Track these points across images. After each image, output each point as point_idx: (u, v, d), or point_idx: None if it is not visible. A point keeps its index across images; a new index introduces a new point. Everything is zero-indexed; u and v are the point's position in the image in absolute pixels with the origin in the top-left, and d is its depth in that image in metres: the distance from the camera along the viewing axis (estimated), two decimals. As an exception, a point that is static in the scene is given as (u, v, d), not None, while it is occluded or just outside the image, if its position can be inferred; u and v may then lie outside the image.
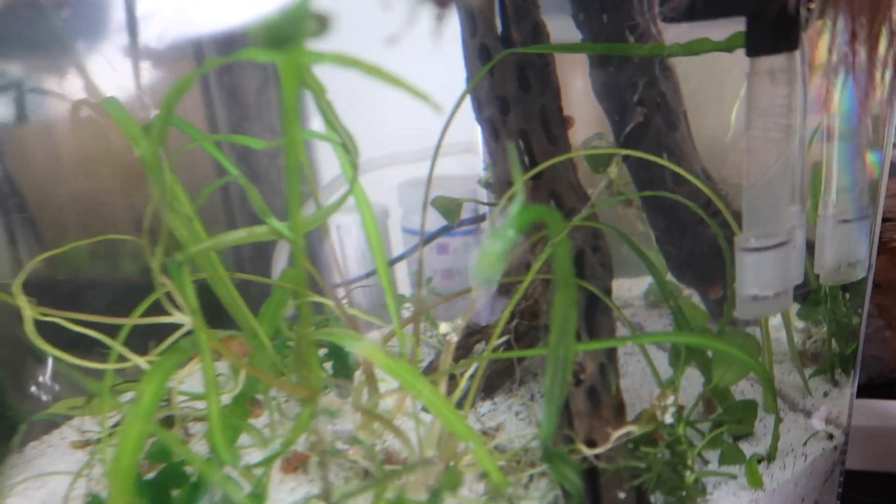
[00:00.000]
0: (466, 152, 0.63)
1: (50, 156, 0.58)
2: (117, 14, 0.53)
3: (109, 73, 0.53)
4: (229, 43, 0.47)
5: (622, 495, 0.36)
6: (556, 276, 0.35)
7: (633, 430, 0.36)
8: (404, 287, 0.70)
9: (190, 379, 0.49)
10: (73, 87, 0.54)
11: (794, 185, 0.40)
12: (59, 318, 0.38)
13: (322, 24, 0.24)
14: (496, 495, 0.36)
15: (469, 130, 0.54)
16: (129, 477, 0.30)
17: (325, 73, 0.31)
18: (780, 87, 0.37)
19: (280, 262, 0.68)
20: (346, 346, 0.41)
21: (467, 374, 0.42)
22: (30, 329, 0.35)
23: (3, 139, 0.55)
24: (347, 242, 0.74)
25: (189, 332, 0.40)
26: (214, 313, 0.40)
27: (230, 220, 0.67)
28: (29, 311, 0.36)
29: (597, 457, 0.37)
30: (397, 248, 0.72)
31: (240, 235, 0.38)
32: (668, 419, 0.37)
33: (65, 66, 0.53)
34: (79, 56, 0.52)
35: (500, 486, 0.34)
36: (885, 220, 0.50)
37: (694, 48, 0.39)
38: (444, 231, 0.69)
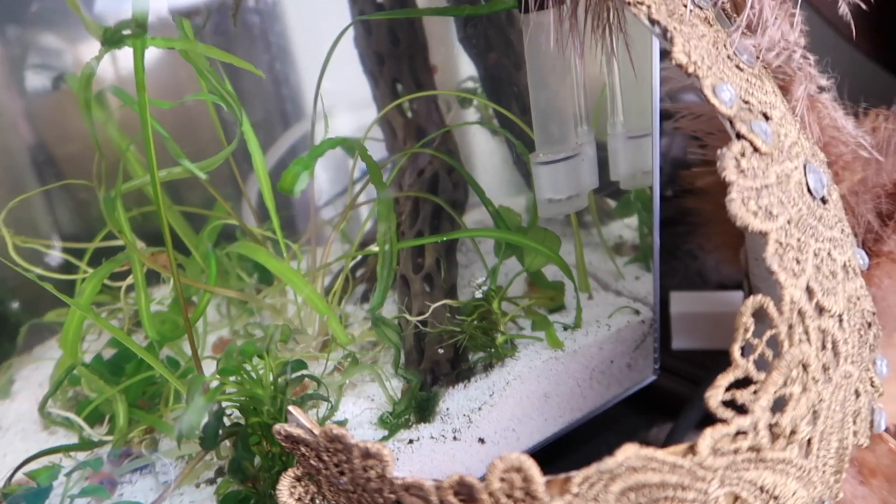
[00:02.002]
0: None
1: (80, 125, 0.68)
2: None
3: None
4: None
5: (441, 351, 0.49)
6: (375, 188, 0.47)
7: (449, 302, 0.49)
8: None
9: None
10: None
11: (579, 111, 0.51)
12: (35, 244, 0.52)
13: (141, 26, 0.36)
14: (347, 354, 0.50)
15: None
16: (74, 345, 0.45)
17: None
18: (545, 35, 0.47)
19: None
20: (249, 254, 0.54)
21: (342, 273, 0.55)
22: (11, 252, 0.50)
23: (36, 110, 0.65)
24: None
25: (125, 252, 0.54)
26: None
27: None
28: (9, 239, 0.50)
29: (424, 324, 0.50)
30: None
31: (162, 175, 0.51)
32: (479, 294, 0.50)
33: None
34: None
35: (343, 344, 0.48)
36: (695, 138, 0.60)
37: (493, 7, 0.50)
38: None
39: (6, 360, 0.59)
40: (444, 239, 0.50)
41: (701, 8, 0.40)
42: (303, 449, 0.35)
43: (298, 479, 0.36)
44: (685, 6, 0.38)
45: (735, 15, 0.44)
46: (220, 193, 0.71)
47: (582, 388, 0.54)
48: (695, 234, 0.66)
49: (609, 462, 0.31)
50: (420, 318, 0.49)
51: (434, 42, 0.62)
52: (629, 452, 0.31)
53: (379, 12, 0.57)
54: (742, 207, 0.35)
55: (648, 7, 0.37)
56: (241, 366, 0.38)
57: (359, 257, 0.60)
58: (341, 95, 0.72)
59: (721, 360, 0.64)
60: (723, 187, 0.60)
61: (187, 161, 0.51)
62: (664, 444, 0.57)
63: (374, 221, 0.63)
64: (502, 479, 0.30)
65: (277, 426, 0.35)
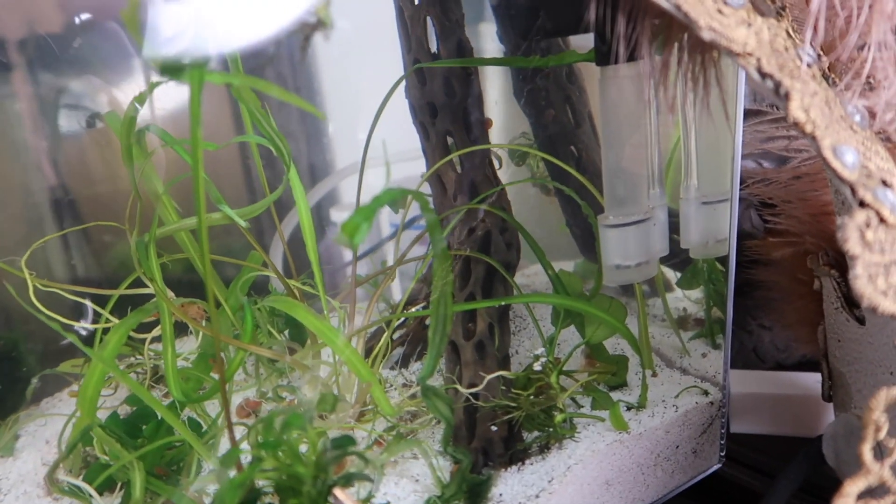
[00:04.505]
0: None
1: (97, 164, 0.67)
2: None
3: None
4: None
5: (494, 428, 0.44)
6: (433, 249, 0.43)
7: (504, 374, 0.44)
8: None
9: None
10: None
11: (651, 171, 0.47)
12: (57, 288, 0.48)
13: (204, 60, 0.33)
14: (391, 427, 0.45)
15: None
16: (93, 403, 0.40)
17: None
18: (625, 89, 0.44)
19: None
20: (284, 309, 0.50)
21: (384, 336, 0.50)
22: (31, 295, 0.46)
23: (59, 149, 0.63)
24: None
25: (153, 302, 0.50)
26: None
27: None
28: (31, 281, 0.46)
29: (476, 397, 0.45)
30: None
31: (193, 222, 0.48)
32: (538, 367, 0.45)
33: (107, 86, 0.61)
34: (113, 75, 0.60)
35: (389, 415, 0.43)
36: (767, 205, 0.56)
37: (564, 59, 0.47)
38: (410, 223, 0.78)
39: (13, 413, 0.55)
40: (503, 304, 0.46)
41: (808, 66, 0.37)
42: None
43: None
44: (796, 61, 0.35)
45: (832, 74, 0.41)
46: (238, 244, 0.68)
47: (645, 476, 0.49)
48: (762, 308, 0.61)
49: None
50: (473, 390, 0.44)
51: (487, 96, 0.60)
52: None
53: (439, 60, 0.55)
54: (869, 286, 0.31)
55: (758, 59, 0.34)
56: (284, 440, 0.34)
57: (400, 319, 0.55)
58: (382, 147, 0.70)
59: (788, 447, 0.58)
60: (801, 260, 0.56)
61: (227, 207, 0.48)
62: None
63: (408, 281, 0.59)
64: None
65: None
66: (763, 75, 0.33)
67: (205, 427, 0.48)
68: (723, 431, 0.54)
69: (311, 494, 0.34)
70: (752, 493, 0.58)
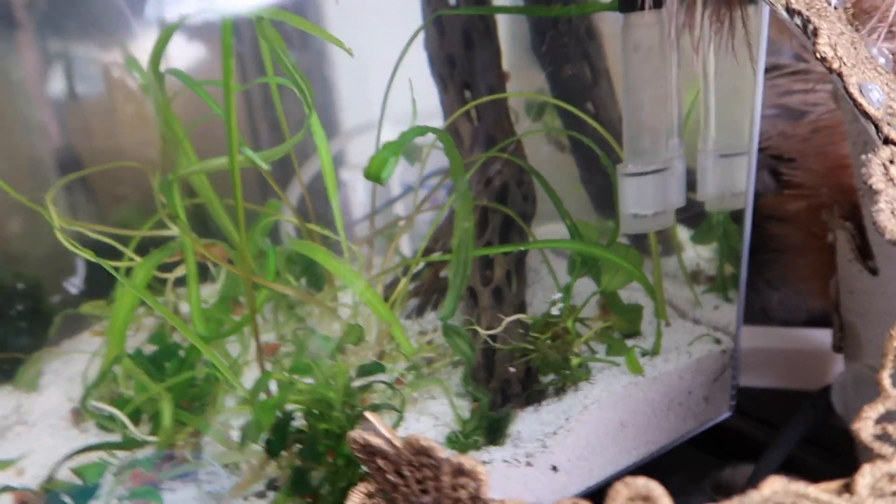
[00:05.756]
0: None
1: (101, 128, 0.67)
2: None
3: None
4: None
5: (512, 370, 0.45)
6: (456, 190, 0.44)
7: (522, 317, 0.45)
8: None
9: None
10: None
11: (671, 121, 0.47)
12: (82, 227, 0.48)
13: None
14: (411, 366, 0.46)
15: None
16: (122, 333, 0.41)
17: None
18: (648, 37, 0.44)
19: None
20: (306, 252, 0.51)
21: (404, 279, 0.51)
22: (59, 234, 0.46)
23: (63, 113, 0.64)
24: (352, 195, 0.83)
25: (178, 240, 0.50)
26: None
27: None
28: (57, 221, 0.46)
29: (495, 340, 0.46)
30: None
31: (220, 162, 0.48)
32: (555, 312, 0.46)
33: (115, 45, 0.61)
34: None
35: (409, 355, 0.44)
36: (788, 159, 0.57)
37: (586, 9, 0.47)
38: (426, 179, 0.78)
39: (36, 350, 0.56)
40: (521, 250, 0.47)
41: (835, 7, 0.37)
42: (379, 461, 0.31)
43: (370, 496, 0.32)
44: (822, 2, 0.35)
45: (856, 22, 0.41)
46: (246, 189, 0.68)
47: (658, 419, 0.50)
48: (771, 268, 0.62)
49: (755, 496, 0.26)
50: (492, 332, 0.45)
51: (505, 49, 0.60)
52: (777, 486, 0.26)
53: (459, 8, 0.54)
54: (892, 220, 0.31)
55: (787, -3, 0.34)
56: (314, 364, 0.35)
57: (419, 266, 0.56)
58: (398, 105, 0.70)
59: (795, 401, 0.59)
60: (815, 214, 0.56)
61: (249, 151, 0.48)
62: (746, 486, 0.52)
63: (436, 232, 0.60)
64: (628, 505, 0.26)
65: (354, 433, 0.31)
66: (791, 12, 0.34)
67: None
68: (735, 381, 0.55)
69: (340, 420, 0.35)
70: (758, 444, 0.59)
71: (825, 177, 0.53)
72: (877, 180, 0.32)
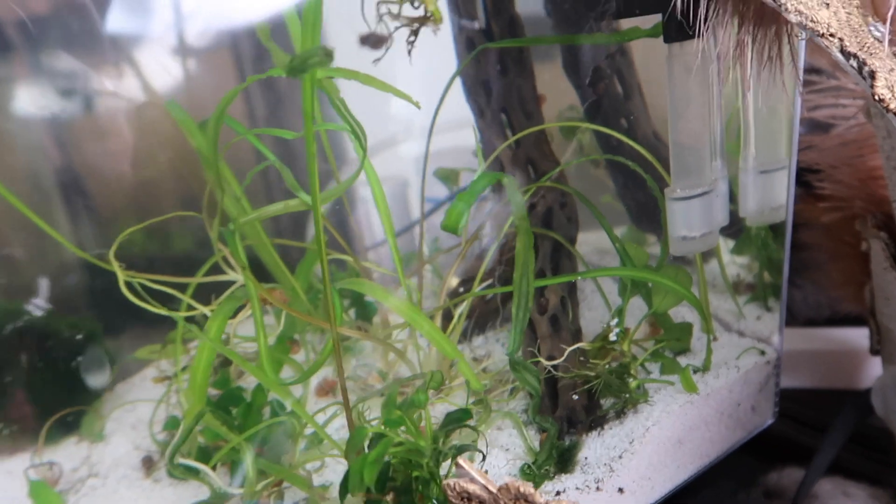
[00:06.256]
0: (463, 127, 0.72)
1: (106, 148, 0.67)
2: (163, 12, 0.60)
3: (159, 70, 0.62)
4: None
5: (575, 397, 0.47)
6: (517, 226, 0.45)
7: (583, 345, 0.47)
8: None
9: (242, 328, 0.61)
10: (126, 84, 0.62)
11: (714, 144, 0.49)
12: (143, 279, 0.49)
13: (328, 55, 0.34)
14: (478, 400, 0.47)
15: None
16: (203, 387, 0.42)
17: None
18: (691, 65, 0.45)
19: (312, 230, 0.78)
20: (363, 291, 0.52)
21: (458, 311, 0.52)
22: (123, 288, 0.47)
23: (65, 133, 0.64)
24: (373, 212, 0.84)
25: (240, 287, 0.51)
26: (260, 275, 0.51)
27: (269, 198, 0.77)
28: (121, 274, 0.47)
29: (556, 369, 0.47)
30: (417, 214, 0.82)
31: (278, 207, 0.49)
32: (613, 337, 0.48)
33: (118, 64, 0.61)
34: (129, 54, 0.60)
35: (477, 391, 0.45)
36: (813, 170, 0.58)
37: (628, 35, 0.48)
38: (449, 198, 0.79)
39: (96, 399, 0.57)
40: (581, 277, 0.48)
41: (879, 41, 0.38)
42: None
43: None
44: (872, 39, 0.37)
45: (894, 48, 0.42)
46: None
47: (711, 433, 0.52)
48: (795, 269, 0.63)
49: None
50: (556, 362, 0.46)
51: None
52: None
53: (492, 40, 0.55)
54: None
55: (841, 40, 0.35)
56: (405, 417, 0.36)
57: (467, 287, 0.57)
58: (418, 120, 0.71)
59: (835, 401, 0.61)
60: (849, 223, 0.58)
61: (304, 193, 0.49)
62: (798, 491, 0.54)
63: (467, 259, 0.61)
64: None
65: (452, 482, 0.32)
66: (847, 55, 0.35)
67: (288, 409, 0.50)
68: (778, 388, 0.57)
69: (430, 466, 0.37)
70: (797, 444, 0.61)
71: (857, 188, 0.55)
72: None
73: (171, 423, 0.52)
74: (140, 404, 0.57)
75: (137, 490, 0.48)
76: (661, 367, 0.51)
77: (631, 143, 0.51)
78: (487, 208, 0.57)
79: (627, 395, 0.48)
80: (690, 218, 0.49)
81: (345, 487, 0.36)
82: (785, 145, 0.51)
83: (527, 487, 0.32)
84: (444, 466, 0.39)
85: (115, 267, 0.47)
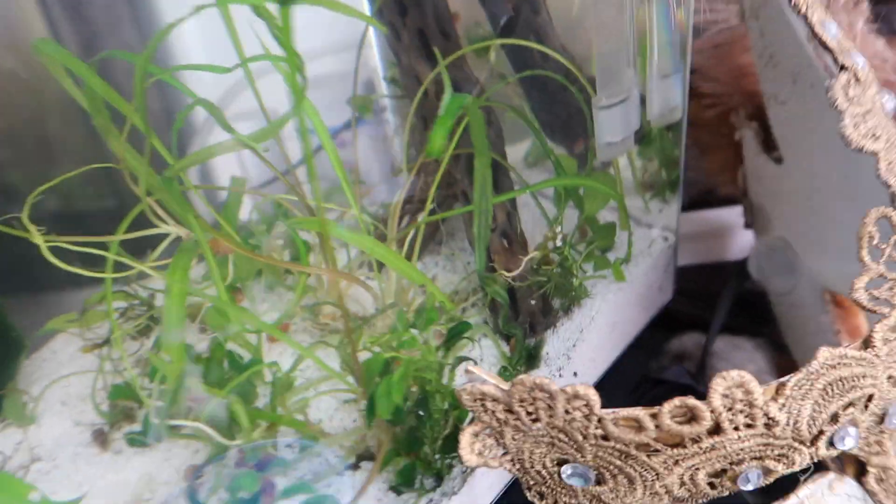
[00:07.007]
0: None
1: None
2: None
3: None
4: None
5: (533, 302, 0.51)
6: (474, 146, 0.46)
7: (535, 255, 0.50)
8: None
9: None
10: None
11: (627, 52, 0.53)
12: (63, 242, 0.44)
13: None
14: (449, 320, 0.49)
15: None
16: (182, 347, 0.40)
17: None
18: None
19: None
20: (316, 229, 0.50)
21: (409, 236, 0.53)
22: (46, 253, 0.42)
23: None
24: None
25: (176, 239, 0.47)
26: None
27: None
28: (40, 238, 0.42)
29: (513, 279, 0.51)
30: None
31: (210, 151, 0.46)
32: (558, 243, 0.52)
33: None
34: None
35: (450, 309, 0.47)
36: (692, 72, 0.65)
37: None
38: (345, 126, 0.77)
39: (10, 380, 0.50)
40: (529, 191, 0.51)
41: None
42: (488, 405, 0.35)
43: (476, 435, 0.36)
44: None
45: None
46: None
47: (633, 314, 0.59)
48: (689, 161, 0.72)
49: (814, 365, 0.35)
50: (516, 273, 0.49)
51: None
52: (826, 355, 0.35)
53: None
54: (855, 132, 0.40)
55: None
56: (416, 338, 0.37)
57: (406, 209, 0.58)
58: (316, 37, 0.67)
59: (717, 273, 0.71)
60: (723, 119, 0.66)
61: (238, 133, 0.46)
62: (704, 348, 0.63)
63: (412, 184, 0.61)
64: (724, 396, 0.33)
65: (466, 386, 0.35)
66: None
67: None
68: (675, 268, 0.65)
69: (437, 379, 0.39)
70: (690, 315, 0.71)
71: (731, 84, 0.63)
72: (841, 101, 0.40)
73: (117, 392, 0.48)
74: (62, 380, 0.52)
75: (100, 466, 0.45)
76: (594, 264, 0.57)
77: (558, 57, 0.53)
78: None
79: (573, 294, 0.53)
80: (613, 124, 0.53)
81: (371, 412, 0.37)
82: (680, 49, 0.57)
83: (540, 379, 0.35)
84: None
85: (33, 230, 0.42)
